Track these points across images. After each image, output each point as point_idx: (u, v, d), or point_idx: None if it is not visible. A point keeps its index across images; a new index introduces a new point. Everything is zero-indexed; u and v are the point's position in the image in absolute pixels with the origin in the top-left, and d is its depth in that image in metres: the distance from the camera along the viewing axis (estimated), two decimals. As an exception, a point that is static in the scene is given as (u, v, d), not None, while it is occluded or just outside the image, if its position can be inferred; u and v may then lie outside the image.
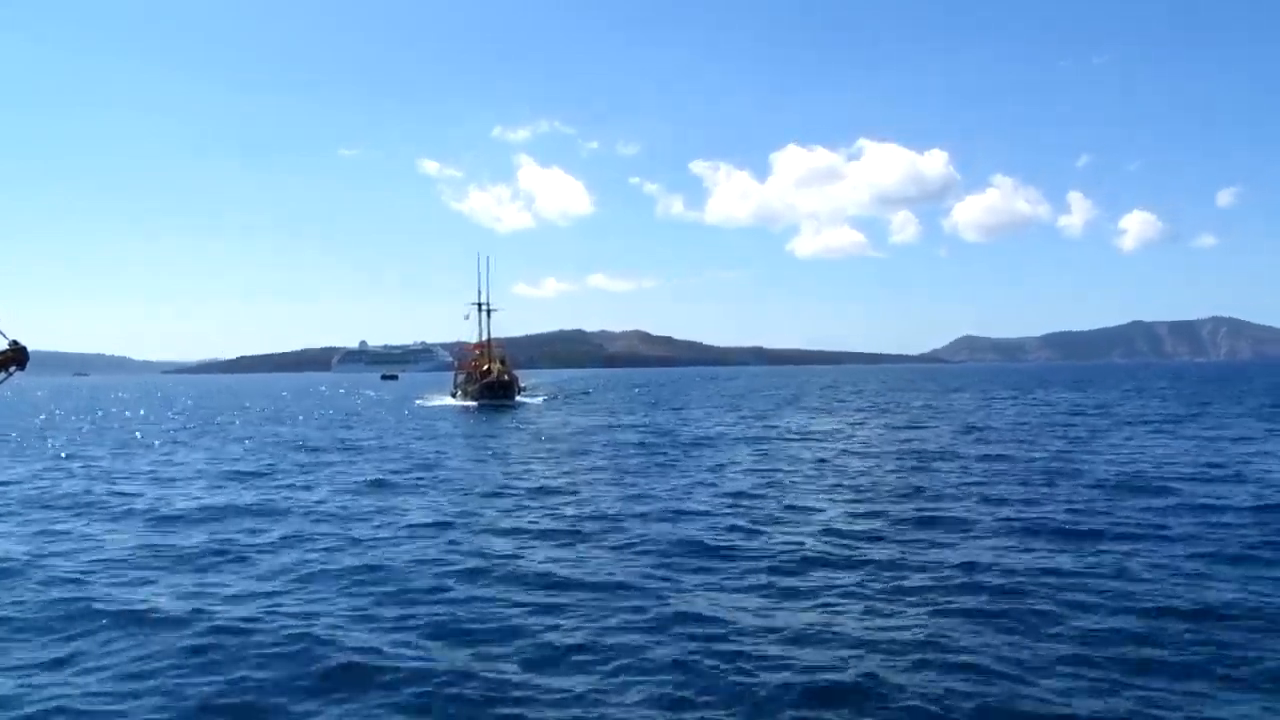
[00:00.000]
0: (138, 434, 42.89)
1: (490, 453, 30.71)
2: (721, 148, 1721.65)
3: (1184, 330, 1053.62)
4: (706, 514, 17.46)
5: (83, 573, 13.29)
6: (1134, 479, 21.26)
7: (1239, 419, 40.96)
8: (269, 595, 11.89)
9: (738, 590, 11.83)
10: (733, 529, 15.92)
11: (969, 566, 12.80)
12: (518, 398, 67.79)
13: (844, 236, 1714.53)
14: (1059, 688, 8.23)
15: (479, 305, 72.03)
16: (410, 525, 16.80)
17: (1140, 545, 14.09)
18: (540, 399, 73.22)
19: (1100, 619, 10.10)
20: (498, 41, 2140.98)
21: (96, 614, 10.91)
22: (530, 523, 16.94)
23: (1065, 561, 13.07)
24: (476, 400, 64.71)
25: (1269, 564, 12.77)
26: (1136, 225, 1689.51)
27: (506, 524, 16.92)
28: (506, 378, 66.16)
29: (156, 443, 37.69)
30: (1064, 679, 8.41)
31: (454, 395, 72.35)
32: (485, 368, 66.98)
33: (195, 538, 15.95)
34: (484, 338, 71.72)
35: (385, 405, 71.77)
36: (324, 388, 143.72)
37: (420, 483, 23.08)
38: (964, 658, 8.99)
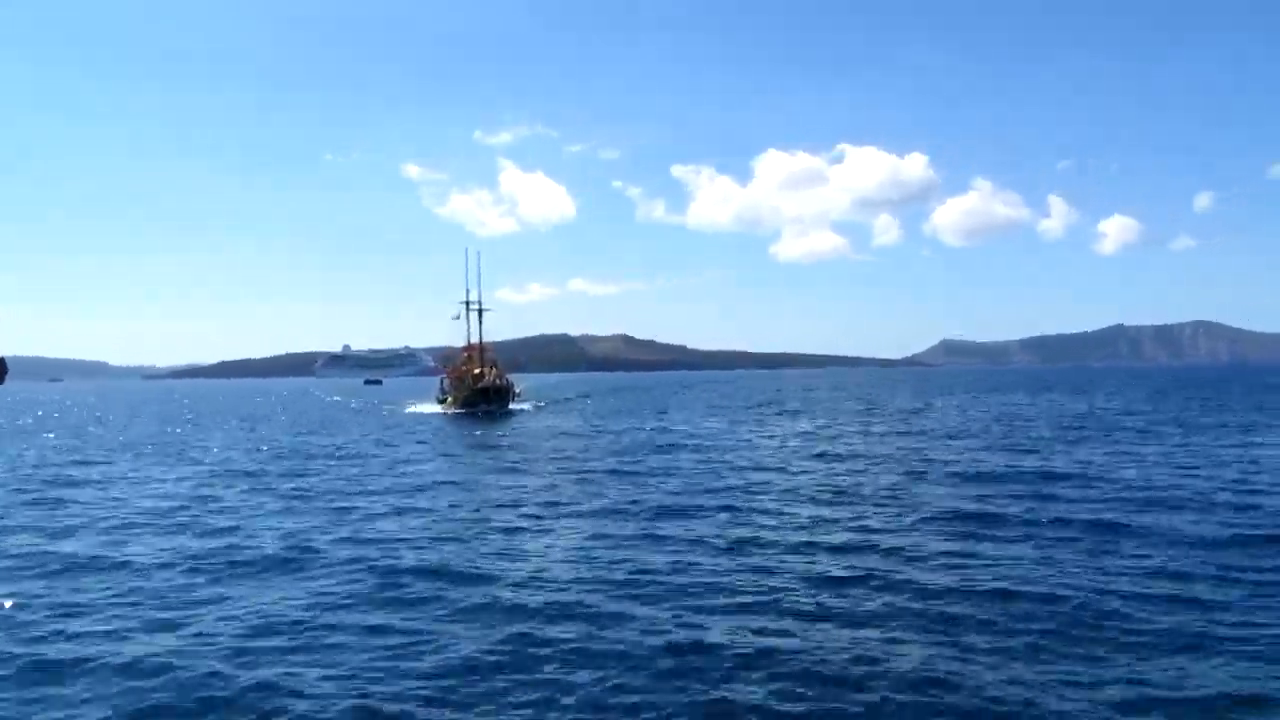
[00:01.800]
0: None
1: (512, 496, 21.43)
2: (703, 152, 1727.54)
3: (1164, 334, 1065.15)
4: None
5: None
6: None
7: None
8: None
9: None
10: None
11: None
12: (511, 404, 64.23)
13: (826, 240, 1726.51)
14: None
15: (467, 304, 67.51)
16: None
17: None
18: (533, 405, 70.39)
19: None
20: (480, 45, 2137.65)
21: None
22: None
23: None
24: (467, 407, 60.61)
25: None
26: (1116, 229, 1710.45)
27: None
28: (500, 382, 62.32)
29: None
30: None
31: (441, 401, 67.90)
32: (477, 371, 63.08)
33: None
34: (475, 339, 67.27)
35: (367, 413, 69.81)
36: (314, 391, 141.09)
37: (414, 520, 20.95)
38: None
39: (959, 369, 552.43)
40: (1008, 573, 12.76)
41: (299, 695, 8.56)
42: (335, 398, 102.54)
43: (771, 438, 37.49)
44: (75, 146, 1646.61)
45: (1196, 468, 24.11)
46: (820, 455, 29.66)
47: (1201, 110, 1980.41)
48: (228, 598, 12.21)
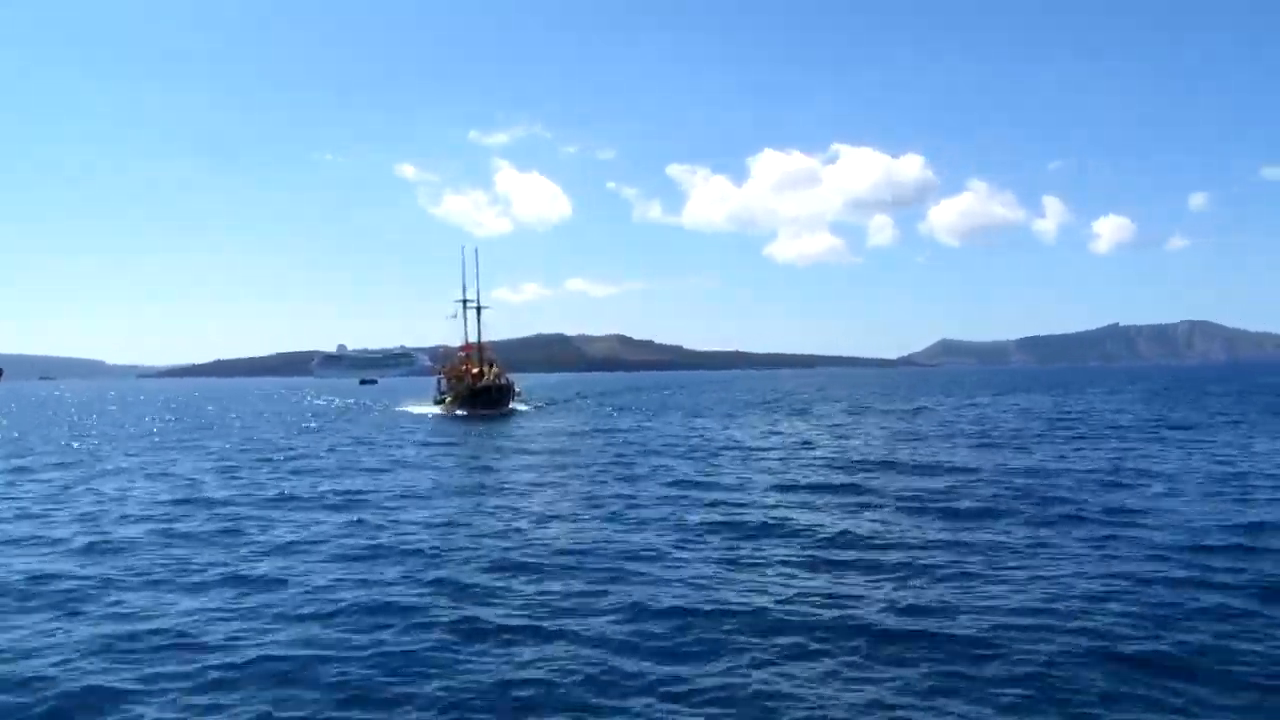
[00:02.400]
0: None
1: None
2: (699, 151, 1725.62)
3: (1159, 333, 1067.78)
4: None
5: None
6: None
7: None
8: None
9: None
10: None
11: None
12: (511, 405, 62.60)
13: (822, 241, 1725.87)
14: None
15: (464, 302, 65.56)
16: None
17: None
18: (534, 406, 68.90)
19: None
20: (474, 45, 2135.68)
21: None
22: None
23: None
24: (466, 408, 58.90)
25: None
26: (1110, 229, 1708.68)
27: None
28: (503, 382, 61.02)
29: None
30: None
31: (438, 402, 65.96)
32: (476, 370, 61.80)
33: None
34: (473, 338, 65.64)
35: (358, 413, 69.01)
36: (307, 390, 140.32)
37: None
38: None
39: (956, 369, 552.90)
40: (1005, 586, 12.33)
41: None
42: (324, 399, 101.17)
43: (777, 438, 37.13)
44: (72, 146, 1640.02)
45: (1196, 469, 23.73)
46: (825, 458, 29.32)
47: (1196, 111, 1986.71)
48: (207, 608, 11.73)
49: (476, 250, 68.96)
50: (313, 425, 52.11)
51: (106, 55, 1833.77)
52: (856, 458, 28.62)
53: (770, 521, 17.10)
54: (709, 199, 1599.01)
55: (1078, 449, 30.07)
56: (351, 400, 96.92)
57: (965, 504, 18.77)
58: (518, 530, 16.83)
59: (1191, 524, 16.05)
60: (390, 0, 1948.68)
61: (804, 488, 21.83)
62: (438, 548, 15.27)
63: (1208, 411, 49.71)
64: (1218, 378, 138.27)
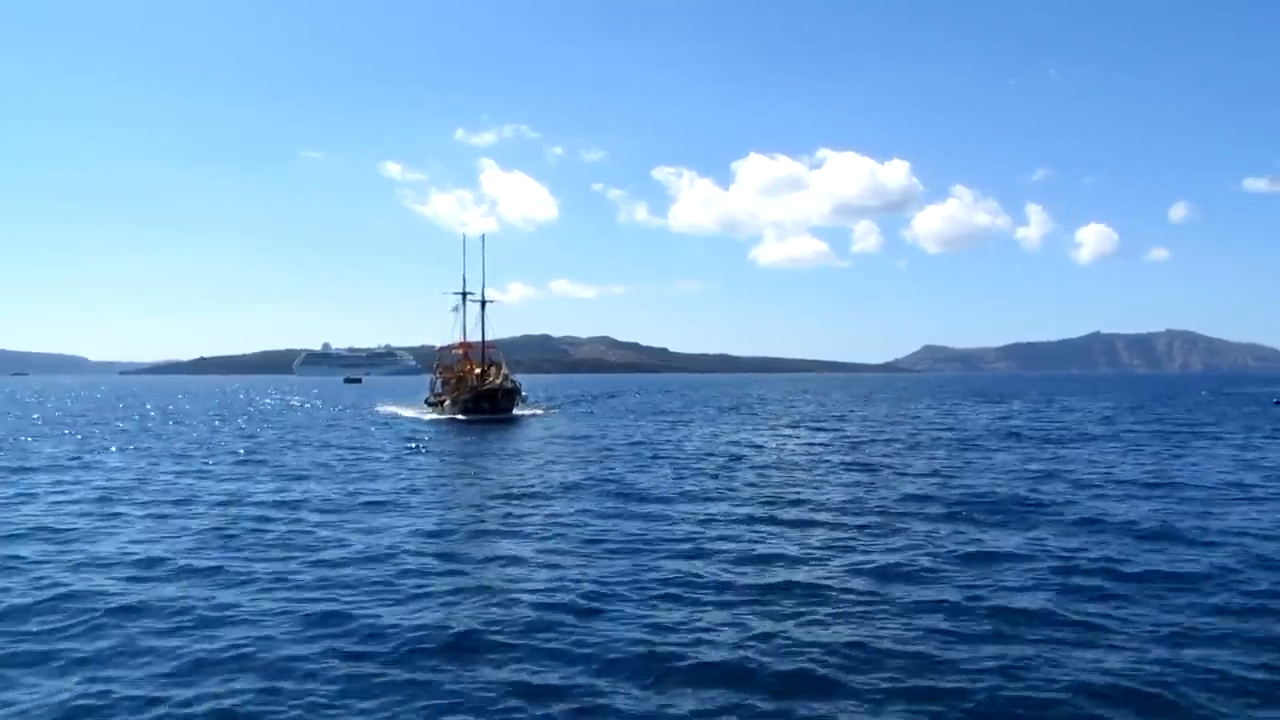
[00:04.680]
0: None
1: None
2: (685, 154, 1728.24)
3: (1140, 343, 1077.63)
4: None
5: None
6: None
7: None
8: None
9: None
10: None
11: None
12: (515, 409, 58.27)
13: (806, 245, 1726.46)
14: None
15: (465, 295, 62.24)
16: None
17: None
18: (540, 410, 65.49)
19: None
20: (460, 45, 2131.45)
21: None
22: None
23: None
24: (467, 412, 54.49)
25: None
26: (1093, 238, 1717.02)
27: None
28: (510, 384, 56.74)
29: None
30: None
31: (431, 404, 61.47)
32: (480, 371, 58.36)
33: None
34: (478, 335, 62.49)
35: (328, 413, 67.50)
36: (285, 389, 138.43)
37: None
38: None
39: (940, 375, 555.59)
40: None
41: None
42: (296, 399, 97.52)
43: (806, 446, 36.86)
44: (56, 144, 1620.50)
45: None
46: (862, 468, 29.06)
47: (1178, 122, 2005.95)
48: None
49: (483, 237, 67.34)
50: (274, 431, 50.23)
51: (95, 54, 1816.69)
52: (884, 468, 28.19)
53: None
54: (695, 202, 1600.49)
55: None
56: (346, 405, 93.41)
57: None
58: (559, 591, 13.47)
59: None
60: (379, 0, 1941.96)
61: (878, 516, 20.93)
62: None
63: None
64: (1195, 388, 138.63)
